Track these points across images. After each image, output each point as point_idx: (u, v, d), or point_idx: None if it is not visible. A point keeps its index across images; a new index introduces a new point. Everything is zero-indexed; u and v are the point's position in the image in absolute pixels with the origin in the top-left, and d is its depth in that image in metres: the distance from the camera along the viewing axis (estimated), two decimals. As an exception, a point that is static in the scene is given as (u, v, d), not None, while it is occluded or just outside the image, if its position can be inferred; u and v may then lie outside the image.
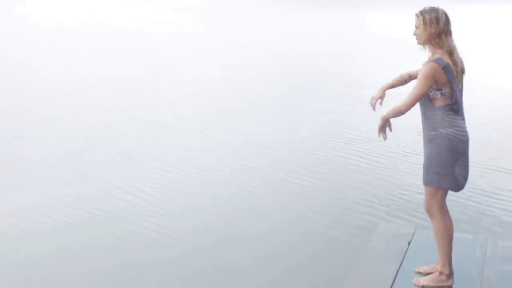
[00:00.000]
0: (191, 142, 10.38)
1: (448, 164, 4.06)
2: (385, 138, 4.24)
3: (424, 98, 4.04)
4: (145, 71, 17.94)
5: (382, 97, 4.31)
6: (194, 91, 15.32)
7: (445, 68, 3.94)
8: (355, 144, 10.13)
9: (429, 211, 4.20)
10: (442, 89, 3.99)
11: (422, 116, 4.16)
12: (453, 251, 4.44)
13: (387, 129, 4.19)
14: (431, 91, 4.01)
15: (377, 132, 4.23)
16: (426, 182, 4.15)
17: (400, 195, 7.55)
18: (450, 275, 4.24)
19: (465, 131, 4.09)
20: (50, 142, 10.19)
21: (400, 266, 4.61)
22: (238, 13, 38.59)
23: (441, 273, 4.23)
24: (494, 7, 49.87)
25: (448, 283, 4.23)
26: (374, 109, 4.31)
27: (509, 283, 4.38)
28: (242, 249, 6.26)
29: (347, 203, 7.44)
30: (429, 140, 4.10)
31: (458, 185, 4.18)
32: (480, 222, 6.49)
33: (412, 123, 7.94)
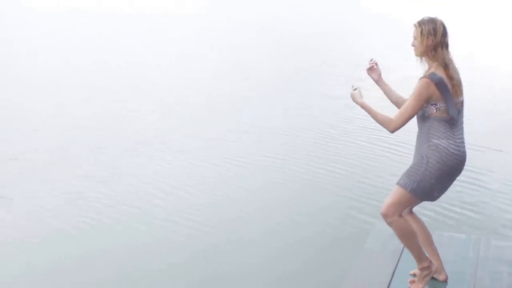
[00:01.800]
0: (203, 131, 10.35)
1: (433, 178, 4.00)
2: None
3: (419, 113, 4.00)
4: (145, 58, 17.74)
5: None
6: (196, 76, 15.17)
7: (438, 84, 3.89)
8: (377, 132, 9.85)
9: (386, 216, 4.06)
10: (437, 104, 3.93)
11: (418, 125, 4.13)
12: (446, 251, 4.51)
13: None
14: (426, 107, 3.96)
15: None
16: (403, 185, 4.05)
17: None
18: (430, 265, 4.24)
19: (460, 147, 4.02)
20: (62, 137, 10.09)
21: (396, 266, 4.66)
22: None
23: (422, 269, 4.25)
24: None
25: (433, 271, 4.26)
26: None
27: (502, 284, 4.40)
28: (266, 243, 6.40)
29: (374, 195, 7.46)
30: (420, 149, 4.06)
31: (431, 198, 4.18)
32: (474, 221, 6.43)
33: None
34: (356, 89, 4.21)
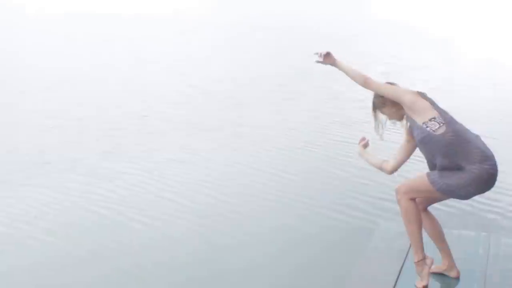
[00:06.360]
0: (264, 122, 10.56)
1: (462, 187, 3.95)
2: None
3: None
4: (161, 60, 17.67)
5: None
6: (228, 74, 15.31)
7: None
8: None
9: (397, 191, 4.09)
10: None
11: None
12: (455, 248, 4.42)
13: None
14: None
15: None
16: (432, 180, 4.00)
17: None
18: (424, 259, 4.17)
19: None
20: (100, 142, 9.72)
21: (402, 265, 4.58)
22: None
23: (416, 263, 4.18)
24: None
25: (428, 264, 4.18)
26: None
27: (513, 281, 4.36)
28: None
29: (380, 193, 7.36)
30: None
31: (456, 197, 4.11)
32: (483, 219, 6.35)
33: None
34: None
